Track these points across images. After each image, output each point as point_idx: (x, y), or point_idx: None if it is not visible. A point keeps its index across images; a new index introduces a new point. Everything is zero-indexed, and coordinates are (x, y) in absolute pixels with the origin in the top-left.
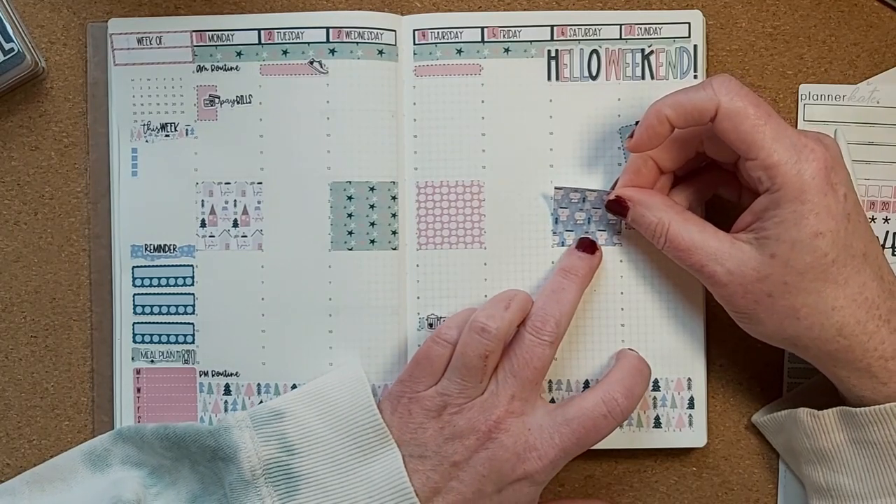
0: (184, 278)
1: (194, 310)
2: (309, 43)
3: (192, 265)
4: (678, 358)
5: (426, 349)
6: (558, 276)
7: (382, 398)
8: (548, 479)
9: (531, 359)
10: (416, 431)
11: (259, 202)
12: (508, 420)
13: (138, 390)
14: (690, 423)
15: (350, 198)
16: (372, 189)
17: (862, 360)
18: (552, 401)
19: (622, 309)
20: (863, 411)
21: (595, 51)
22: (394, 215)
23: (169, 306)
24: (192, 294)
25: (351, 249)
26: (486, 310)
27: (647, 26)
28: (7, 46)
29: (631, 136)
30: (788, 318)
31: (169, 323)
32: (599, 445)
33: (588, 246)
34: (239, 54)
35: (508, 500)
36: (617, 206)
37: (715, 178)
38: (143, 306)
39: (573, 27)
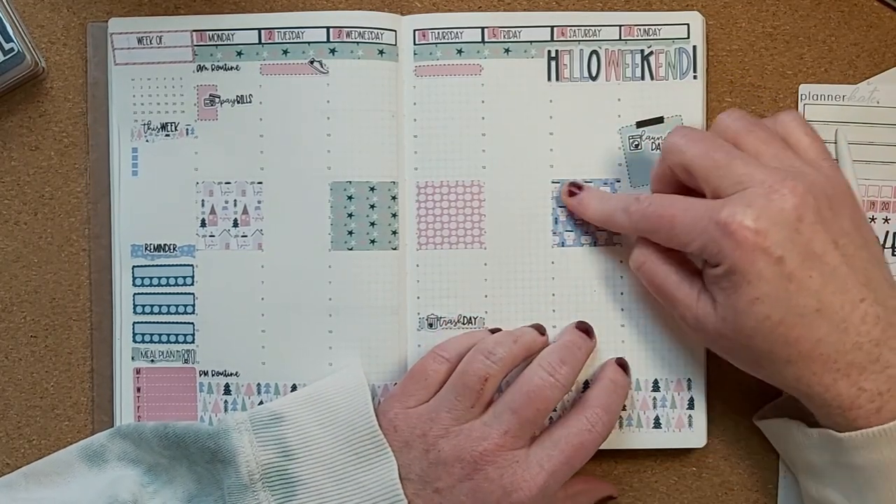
0: (184, 278)
1: (194, 309)
2: (309, 43)
3: (192, 265)
4: (678, 358)
5: (422, 364)
6: (572, 334)
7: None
8: None
9: (537, 399)
10: (400, 450)
11: (259, 202)
12: (497, 453)
13: (138, 390)
14: (690, 424)
15: (350, 198)
16: (372, 189)
17: (822, 408)
18: None
19: (622, 309)
20: (846, 437)
21: (595, 51)
22: (394, 215)
23: (169, 306)
24: (192, 294)
25: (351, 249)
26: (496, 337)
27: (647, 27)
28: (7, 46)
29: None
30: (750, 364)
31: (169, 323)
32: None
33: (584, 331)
34: (239, 54)
35: None
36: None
37: None
38: (143, 306)
39: (573, 28)
